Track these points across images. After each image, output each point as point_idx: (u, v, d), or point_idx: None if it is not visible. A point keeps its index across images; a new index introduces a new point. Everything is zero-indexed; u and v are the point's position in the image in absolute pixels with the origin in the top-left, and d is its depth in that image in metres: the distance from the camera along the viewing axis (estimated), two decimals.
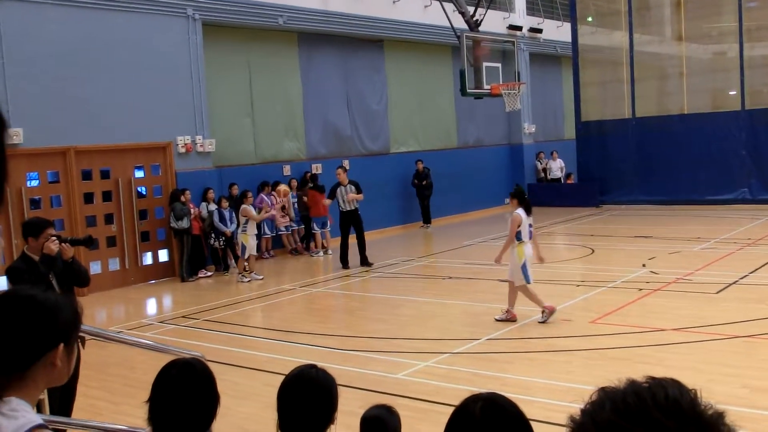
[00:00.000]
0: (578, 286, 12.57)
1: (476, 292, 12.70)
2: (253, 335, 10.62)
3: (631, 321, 10.14)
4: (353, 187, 15.57)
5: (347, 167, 16.96)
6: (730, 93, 22.43)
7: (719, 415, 1.12)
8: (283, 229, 17.73)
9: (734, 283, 11.84)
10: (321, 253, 17.66)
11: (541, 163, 25.78)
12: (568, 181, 25.67)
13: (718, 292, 11.33)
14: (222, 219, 15.74)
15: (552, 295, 12.06)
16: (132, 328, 11.35)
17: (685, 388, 1.13)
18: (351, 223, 15.53)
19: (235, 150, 17.56)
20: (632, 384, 1.12)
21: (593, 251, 15.70)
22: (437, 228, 21.29)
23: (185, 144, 15.99)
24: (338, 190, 15.55)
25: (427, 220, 21.37)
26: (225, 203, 15.86)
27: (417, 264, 15.78)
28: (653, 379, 1.13)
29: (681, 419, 1.07)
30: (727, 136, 21.58)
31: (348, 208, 15.47)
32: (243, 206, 14.97)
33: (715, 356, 8.51)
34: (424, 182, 21.01)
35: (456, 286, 13.33)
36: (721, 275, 12.34)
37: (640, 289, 11.86)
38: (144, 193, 16.13)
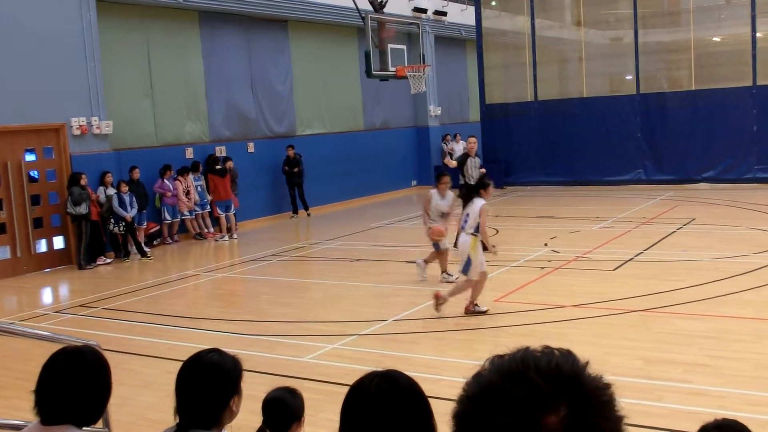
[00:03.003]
0: None
1: (384, 273, 12.74)
2: (155, 323, 10.33)
3: (533, 299, 10.36)
4: (480, 160, 14.18)
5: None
6: (626, 77, 23.16)
7: (603, 386, 1.12)
8: (187, 213, 17.31)
9: (630, 260, 12.26)
10: (226, 238, 17.35)
11: (447, 146, 26.03)
12: None
13: (615, 269, 11.70)
14: (122, 204, 15.23)
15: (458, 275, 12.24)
16: (25, 319, 10.86)
17: (573, 358, 1.14)
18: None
19: (134, 132, 16.99)
20: (522, 351, 1.15)
21: (497, 231, 15.93)
22: (345, 210, 21.20)
23: (80, 126, 15.36)
24: (468, 161, 13.85)
25: (296, 210, 20.12)
26: (125, 187, 15.35)
27: (324, 247, 15.70)
28: (546, 348, 1.15)
29: (559, 384, 1.07)
30: (623, 119, 22.30)
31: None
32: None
33: (613, 330, 8.80)
34: (296, 169, 19.81)
35: (364, 268, 13.33)
36: (619, 253, 12.76)
37: (542, 268, 12.13)
38: (36, 177, 15.43)
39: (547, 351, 1.14)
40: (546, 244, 13.62)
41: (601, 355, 7.94)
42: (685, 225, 15.23)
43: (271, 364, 8.02)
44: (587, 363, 1.14)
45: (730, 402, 6.51)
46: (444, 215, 11.84)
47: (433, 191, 11.76)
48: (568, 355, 1.14)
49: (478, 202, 9.68)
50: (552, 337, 8.60)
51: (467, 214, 9.77)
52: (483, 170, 13.89)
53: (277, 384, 3.81)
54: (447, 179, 11.74)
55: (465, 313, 9.63)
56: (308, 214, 20.28)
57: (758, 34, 21.23)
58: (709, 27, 23.12)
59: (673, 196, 19.56)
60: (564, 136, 22.85)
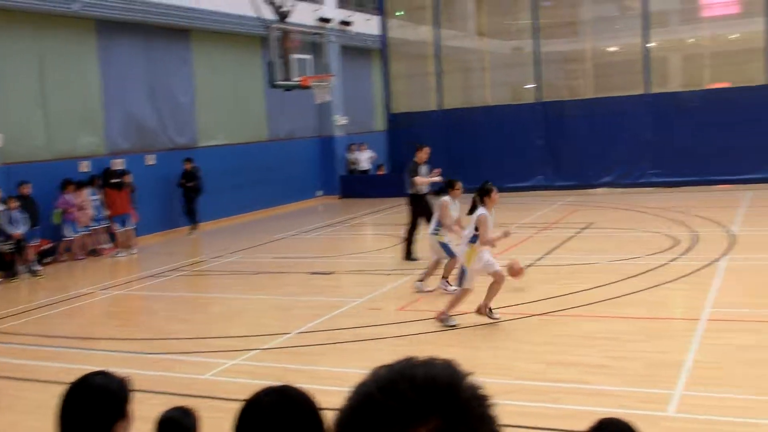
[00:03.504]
0: (388, 275, 12.73)
1: (286, 285, 12.56)
2: (47, 345, 9.85)
3: (438, 306, 10.36)
4: (428, 168, 13.59)
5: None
6: (528, 86, 23.68)
7: (479, 397, 1.11)
8: (84, 229, 16.65)
9: (531, 265, 12.46)
10: (123, 254, 16.77)
11: (352, 155, 26.00)
12: (379, 173, 26.05)
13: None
14: (11, 221, 14.53)
15: (363, 285, 12.21)
16: None
17: (452, 369, 1.13)
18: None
19: (24, 145, 16.27)
20: (402, 362, 1.14)
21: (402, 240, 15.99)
22: (248, 222, 20.86)
23: None
24: (419, 170, 13.35)
25: (193, 222, 19.21)
26: (14, 203, 14.64)
27: (226, 260, 15.37)
28: (428, 358, 1.15)
29: (432, 396, 1.07)
30: (525, 127, 22.77)
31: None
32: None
33: (515, 335, 8.91)
34: (192, 183, 18.89)
35: (266, 280, 13.11)
36: (520, 258, 12.90)
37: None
38: None
39: (427, 362, 1.14)
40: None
41: (505, 359, 8.03)
42: (583, 229, 15.62)
43: (168, 384, 7.76)
44: (468, 373, 1.13)
45: (624, 401, 6.66)
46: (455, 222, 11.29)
47: (447, 198, 11.18)
48: (447, 365, 1.13)
49: (478, 212, 9.12)
50: (455, 345, 8.63)
51: (470, 224, 9.25)
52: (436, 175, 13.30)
53: (175, 404, 3.66)
54: (460, 185, 11.24)
55: (478, 313, 9.28)
56: (193, 228, 19.15)
57: (650, 45, 22.06)
58: (605, 38, 23.94)
59: (572, 201, 20.07)
60: (468, 144, 23.14)
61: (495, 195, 9.25)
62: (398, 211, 21.30)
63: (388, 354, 7.51)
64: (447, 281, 11.10)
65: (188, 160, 19.07)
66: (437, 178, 13.07)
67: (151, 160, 19.00)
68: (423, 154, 13.27)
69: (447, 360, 1.15)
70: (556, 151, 22.28)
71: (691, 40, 23.61)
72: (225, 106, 21.61)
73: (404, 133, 24.20)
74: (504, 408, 4.73)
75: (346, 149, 26.05)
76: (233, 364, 8.46)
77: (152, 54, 19.29)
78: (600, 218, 16.84)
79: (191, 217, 19.13)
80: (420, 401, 1.07)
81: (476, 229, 9.04)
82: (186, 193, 19.02)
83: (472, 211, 9.27)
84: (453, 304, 9.28)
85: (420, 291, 11.18)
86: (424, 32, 24.69)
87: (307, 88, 18.66)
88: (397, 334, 9.15)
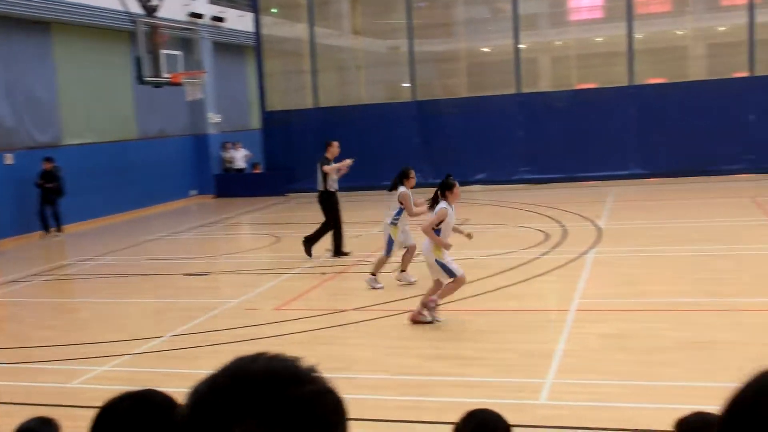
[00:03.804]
0: (264, 274, 12.53)
1: (158, 288, 12.14)
2: None
3: (314, 305, 10.32)
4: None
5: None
6: (404, 85, 23.92)
7: (307, 399, 1.07)
8: None
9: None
10: None
11: (227, 153, 25.47)
12: (255, 171, 25.66)
13: (393, 272, 11.93)
14: None
15: (238, 286, 11.95)
16: None
17: (291, 365, 1.11)
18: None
19: None
20: (238, 360, 1.12)
21: (279, 239, 15.82)
22: (117, 224, 20.05)
23: None
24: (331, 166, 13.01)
25: (47, 227, 18.03)
26: None
27: (94, 264, 14.68)
28: (265, 355, 1.12)
29: (250, 395, 1.06)
30: (401, 125, 22.98)
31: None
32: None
33: (392, 331, 8.94)
34: (52, 184, 17.66)
35: (136, 283, 12.60)
36: (398, 255, 12.98)
37: (324, 273, 12.13)
38: None
39: (262, 359, 1.12)
40: (328, 250, 13.65)
41: (381, 356, 8.04)
42: (459, 225, 15.85)
43: (31, 394, 7.33)
44: (308, 372, 1.11)
45: (499, 391, 6.81)
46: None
47: (404, 188, 11.00)
48: (285, 363, 1.11)
49: (440, 205, 8.90)
50: (332, 342, 8.59)
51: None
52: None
53: (38, 415, 3.41)
54: (414, 173, 11.28)
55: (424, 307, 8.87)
56: (57, 232, 18.07)
57: (521, 46, 22.74)
58: (478, 38, 24.50)
59: None
60: (344, 143, 23.02)
61: (457, 190, 9.04)
62: (274, 210, 21.10)
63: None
64: (375, 277, 10.95)
65: (48, 159, 17.86)
66: (348, 161, 13.07)
67: (9, 159, 17.92)
68: (334, 149, 13.11)
69: (288, 357, 1.12)
70: (432, 149, 22.59)
71: (560, 42, 24.53)
72: (91, 103, 20.65)
73: (280, 131, 23.97)
74: (379, 403, 4.74)
75: (220, 147, 25.49)
76: (103, 370, 8.09)
77: (9, 48, 18.19)
78: (475, 214, 17.18)
79: (45, 220, 17.91)
80: (238, 401, 1.06)
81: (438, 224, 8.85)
82: (45, 194, 17.76)
83: (432, 205, 9.07)
84: (444, 294, 8.91)
85: (407, 282, 10.95)
86: (299, 30, 24.51)
87: (178, 84, 18.12)
88: (274, 334, 8.99)
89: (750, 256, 11.54)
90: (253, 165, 25.87)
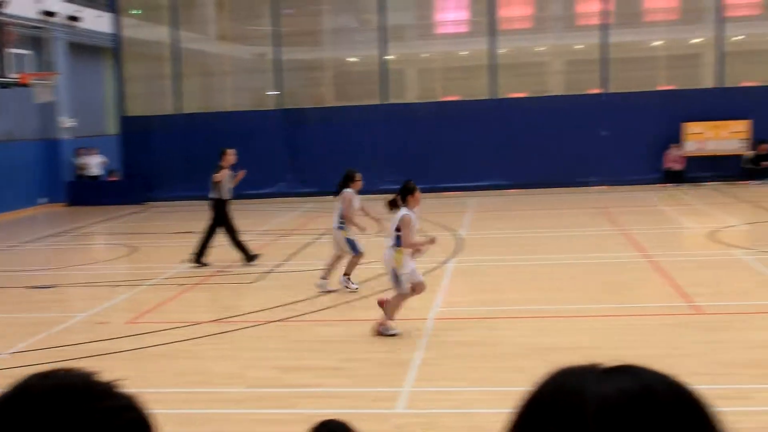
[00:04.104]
0: (117, 286, 11.92)
1: (2, 303, 11.31)
2: None
3: (170, 317, 9.91)
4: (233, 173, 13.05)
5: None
6: (271, 93, 23.61)
7: (105, 412, 1.00)
8: None
9: (270, 271, 12.31)
10: None
11: (80, 160, 24.18)
12: (111, 179, 24.52)
13: (254, 282, 11.66)
14: None
15: (88, 299, 11.34)
16: None
17: (81, 378, 1.04)
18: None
19: None
20: (34, 375, 1.05)
21: (135, 249, 15.16)
22: None
23: None
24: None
25: None
26: None
27: None
28: (56, 370, 1.06)
29: (34, 405, 0.99)
30: (267, 134, 22.64)
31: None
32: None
33: (251, 342, 8.73)
34: None
35: None
36: (259, 265, 12.71)
37: (181, 285, 11.69)
38: None
39: (55, 375, 1.05)
40: (186, 261, 13.18)
41: (238, 369, 7.78)
42: (323, 235, 15.73)
43: None
44: (110, 384, 1.04)
45: (357, 401, 6.74)
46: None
47: (349, 190, 11.13)
48: (80, 378, 1.04)
49: (401, 212, 8.54)
50: (187, 356, 8.29)
51: (393, 225, 8.61)
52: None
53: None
54: (360, 176, 11.40)
55: (376, 334, 8.52)
56: None
57: (388, 57, 22.94)
58: (345, 48, 24.53)
59: (313, 208, 20.19)
60: (209, 150, 22.48)
61: (418, 194, 8.71)
62: (131, 219, 20.24)
63: (119, 370, 6.94)
64: (349, 278, 10.78)
65: None
66: (240, 174, 12.91)
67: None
68: (229, 158, 12.86)
69: (88, 373, 1.06)
70: (298, 158, 22.39)
71: (426, 54, 24.93)
72: None
73: (139, 138, 23.07)
74: (237, 417, 4.45)
75: (73, 153, 24.16)
76: None
77: None
78: None
79: None
80: (25, 420, 1.00)
81: (398, 230, 8.49)
82: None
83: (392, 207, 8.69)
84: (392, 312, 8.57)
85: (323, 290, 10.70)
86: (161, 33, 23.71)
87: (26, 86, 17.09)
88: (125, 348, 8.54)
89: (600, 264, 12.01)
90: (110, 172, 24.69)
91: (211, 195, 12.86)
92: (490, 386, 6.83)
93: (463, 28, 24.70)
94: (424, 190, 22.65)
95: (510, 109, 22.23)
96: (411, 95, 24.41)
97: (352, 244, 10.88)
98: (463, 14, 24.58)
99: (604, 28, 21.95)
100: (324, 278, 10.88)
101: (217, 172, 12.71)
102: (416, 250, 8.70)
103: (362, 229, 10.98)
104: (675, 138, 21.27)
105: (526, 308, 9.60)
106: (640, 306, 9.30)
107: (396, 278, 8.51)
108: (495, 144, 21.63)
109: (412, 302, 10.32)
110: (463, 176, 21.85)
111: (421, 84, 25.11)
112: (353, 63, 25.13)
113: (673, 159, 21.17)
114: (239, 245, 12.88)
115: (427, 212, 18.08)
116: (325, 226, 16.75)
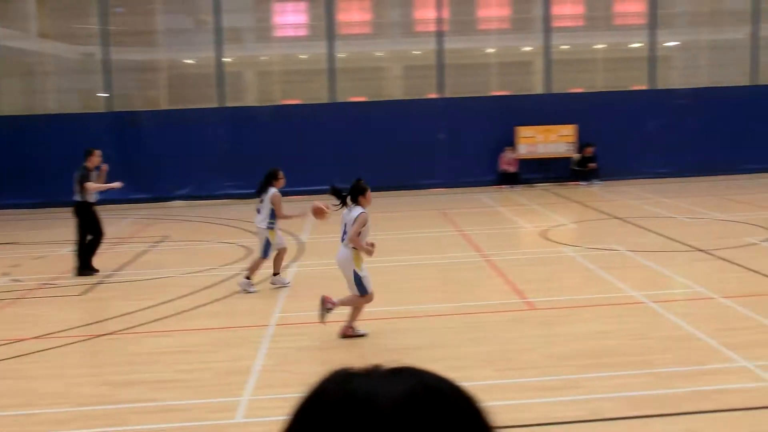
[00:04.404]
0: None
1: None
2: None
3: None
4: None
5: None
6: (100, 94, 22.43)
7: None
8: None
9: (100, 282, 11.66)
10: None
11: None
12: None
13: (83, 294, 10.98)
14: None
15: None
16: None
17: None
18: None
19: None
20: None
21: None
22: None
23: None
24: (91, 175, 12.22)
25: None
26: None
27: None
28: None
29: None
30: (96, 138, 21.27)
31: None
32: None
33: (79, 359, 8.27)
34: None
35: None
36: (89, 276, 12.00)
37: (1, 299, 10.80)
38: None
39: None
40: (6, 273, 12.22)
41: (65, 387, 7.28)
42: (158, 243, 15.12)
43: None
44: None
45: (194, 413, 6.49)
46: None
47: (274, 189, 11.07)
48: None
49: (355, 211, 8.28)
50: (10, 376, 7.67)
51: (344, 224, 8.37)
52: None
53: None
54: (283, 173, 11.45)
55: (342, 337, 8.29)
56: None
57: (226, 59, 22.42)
58: (180, 49, 23.72)
59: (147, 215, 19.35)
60: (33, 155, 21.10)
61: (369, 194, 8.47)
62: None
63: None
64: (250, 281, 10.68)
65: None
66: (116, 184, 12.50)
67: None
68: (94, 159, 12.31)
69: None
70: (131, 164, 21.36)
71: (265, 57, 24.57)
72: None
73: None
74: None
75: None
76: None
77: None
78: (176, 231, 16.49)
79: None
80: None
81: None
82: None
83: (343, 205, 8.47)
84: (354, 315, 8.37)
85: (282, 284, 10.81)
86: None
87: None
88: None
89: (439, 265, 12.22)
90: None
91: (76, 198, 12.09)
92: None
93: (302, 32, 24.57)
94: None
95: (349, 113, 22.32)
96: (250, 98, 24.00)
97: (267, 247, 10.77)
98: (302, 18, 24.46)
99: (439, 35, 22.51)
100: (276, 274, 10.89)
101: (83, 173, 12.07)
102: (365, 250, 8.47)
103: (302, 216, 11.20)
104: (509, 141, 22.14)
105: (368, 310, 9.55)
106: (478, 304, 9.50)
107: (357, 282, 8.31)
108: (335, 148, 21.59)
109: (254, 308, 10.09)
110: (304, 180, 21.65)
111: (260, 87, 24.74)
112: (189, 65, 24.38)
113: (507, 162, 22.01)
114: (84, 255, 12.11)
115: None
116: (162, 233, 16.15)
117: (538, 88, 23.28)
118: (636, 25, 23.69)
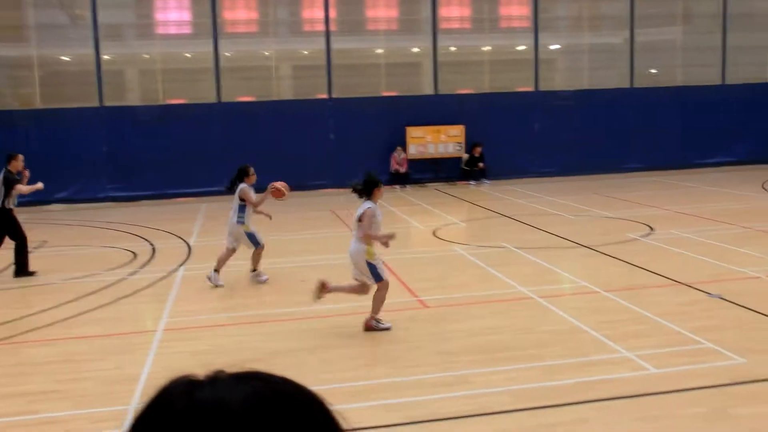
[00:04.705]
0: None
1: None
2: None
3: None
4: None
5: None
6: None
7: None
8: None
9: None
10: None
11: None
12: None
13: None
14: None
15: None
16: None
17: None
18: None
19: None
20: None
21: None
22: None
23: None
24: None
25: None
26: None
27: None
28: None
29: None
30: None
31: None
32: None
33: None
34: None
35: None
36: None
37: None
38: None
39: None
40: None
41: None
42: (37, 248, 14.36)
43: None
44: None
45: (75, 424, 6.24)
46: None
47: (245, 185, 11.14)
48: None
49: (363, 206, 8.41)
50: None
51: (355, 219, 8.50)
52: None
53: None
54: (253, 170, 11.50)
55: (366, 330, 8.38)
56: None
57: (105, 56, 21.59)
58: (54, 45, 22.62)
59: (24, 219, 18.22)
60: None
61: (382, 187, 8.65)
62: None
63: None
64: (258, 272, 10.96)
65: None
66: (40, 185, 12.34)
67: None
68: (18, 163, 12.11)
69: None
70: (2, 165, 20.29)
71: (147, 55, 23.77)
72: None
73: None
74: None
75: None
76: None
77: None
78: (55, 236, 15.73)
79: None
80: None
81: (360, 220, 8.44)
82: None
83: (360, 196, 8.55)
84: (377, 306, 8.47)
85: (216, 284, 10.65)
86: None
87: None
88: None
89: (332, 266, 12.12)
90: None
91: (5, 205, 11.70)
92: None
93: (186, 30, 23.92)
94: (150, 197, 21.85)
95: (236, 113, 21.93)
96: (132, 98, 23.17)
97: (252, 238, 10.97)
98: (186, 15, 23.83)
99: (328, 34, 22.43)
100: (217, 270, 10.76)
101: (12, 177, 11.74)
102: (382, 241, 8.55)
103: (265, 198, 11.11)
104: (399, 142, 22.30)
105: (256, 313, 9.40)
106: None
107: (373, 270, 8.39)
108: (221, 149, 21.11)
109: (141, 313, 9.73)
110: (192, 182, 21.17)
111: (143, 86, 23.91)
112: (65, 62, 23.31)
113: (398, 162, 22.17)
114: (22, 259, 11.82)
115: (156, 220, 17.28)
116: (39, 238, 15.36)
117: (427, 89, 23.56)
118: (521, 28, 24.35)
